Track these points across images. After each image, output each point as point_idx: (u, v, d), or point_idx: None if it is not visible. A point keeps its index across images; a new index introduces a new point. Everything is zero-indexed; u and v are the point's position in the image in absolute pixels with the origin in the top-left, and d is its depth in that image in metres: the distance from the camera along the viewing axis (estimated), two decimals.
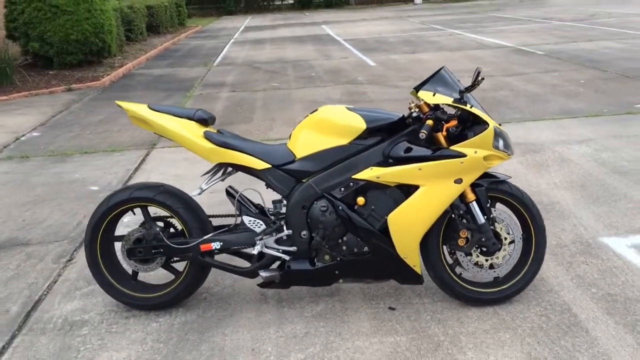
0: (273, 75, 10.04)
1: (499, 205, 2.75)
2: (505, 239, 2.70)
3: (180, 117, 2.71)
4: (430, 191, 2.53)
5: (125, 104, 2.75)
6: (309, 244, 2.66)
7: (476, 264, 2.70)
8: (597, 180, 4.22)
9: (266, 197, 2.86)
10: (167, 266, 2.87)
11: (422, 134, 2.43)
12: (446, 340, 2.51)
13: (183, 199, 2.79)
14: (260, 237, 2.68)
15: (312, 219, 2.62)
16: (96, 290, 3.09)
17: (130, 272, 2.90)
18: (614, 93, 7.08)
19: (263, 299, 2.93)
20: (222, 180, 2.79)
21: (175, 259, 2.84)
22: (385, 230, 2.59)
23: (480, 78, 2.49)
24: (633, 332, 2.48)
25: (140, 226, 2.84)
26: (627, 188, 4.06)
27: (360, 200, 2.57)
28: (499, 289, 2.73)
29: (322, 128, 2.64)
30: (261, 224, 2.69)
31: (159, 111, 2.72)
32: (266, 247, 2.68)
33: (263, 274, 2.68)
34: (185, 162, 5.29)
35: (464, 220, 2.64)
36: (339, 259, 2.65)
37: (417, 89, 2.64)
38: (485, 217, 2.64)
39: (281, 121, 6.69)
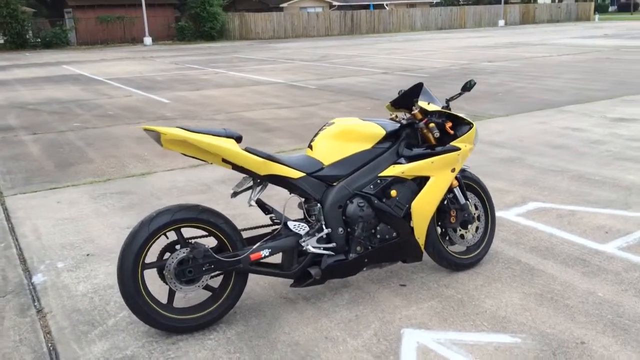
0: (64, 116, 9.34)
1: None
2: (475, 214, 3.48)
3: (219, 136, 2.81)
4: (438, 180, 3.16)
5: (159, 128, 2.70)
6: (346, 238, 3.02)
7: (460, 236, 3.42)
8: None
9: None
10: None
11: (436, 133, 3.07)
12: (464, 297, 3.15)
13: (221, 215, 2.87)
14: (304, 239, 2.95)
15: (348, 215, 3.00)
16: (110, 330, 2.90)
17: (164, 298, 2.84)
18: None
19: (290, 301, 3.15)
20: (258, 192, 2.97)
21: (215, 273, 2.89)
22: (406, 217, 3.12)
23: (462, 91, 3.25)
24: (569, 266, 3.48)
25: (166, 249, 2.83)
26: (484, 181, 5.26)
27: (393, 192, 3.05)
28: (473, 254, 3.48)
29: (346, 137, 3.05)
30: (305, 227, 2.96)
31: (195, 132, 2.78)
32: (310, 247, 2.96)
33: (312, 271, 2.94)
34: (60, 205, 4.87)
35: (451, 202, 3.34)
36: (369, 248, 3.07)
37: (393, 103, 3.28)
38: (465, 198, 3.38)
39: (129, 157, 6.48)
